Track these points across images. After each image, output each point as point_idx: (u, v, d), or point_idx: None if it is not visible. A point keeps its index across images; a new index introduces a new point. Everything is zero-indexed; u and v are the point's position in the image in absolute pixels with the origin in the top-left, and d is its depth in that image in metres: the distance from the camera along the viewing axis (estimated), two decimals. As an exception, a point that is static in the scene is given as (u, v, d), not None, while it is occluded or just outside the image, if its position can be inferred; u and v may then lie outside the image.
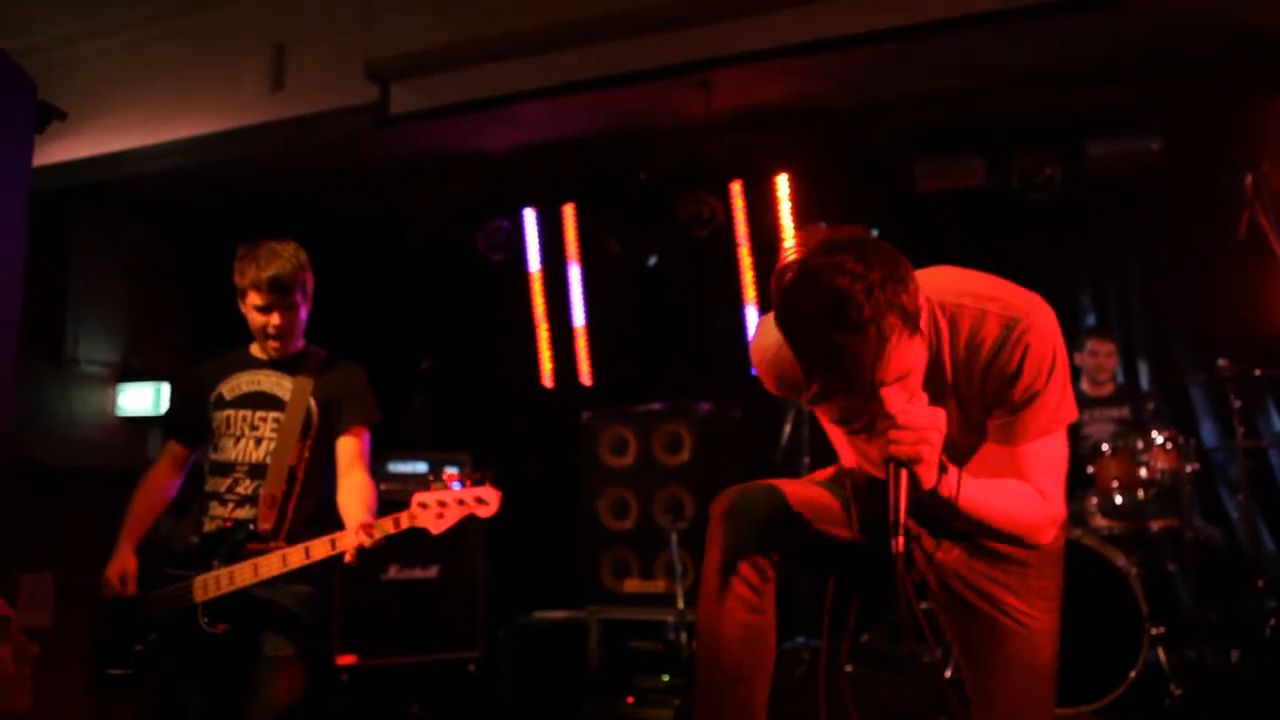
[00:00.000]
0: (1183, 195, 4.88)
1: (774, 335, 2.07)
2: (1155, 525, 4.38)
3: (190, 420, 3.11)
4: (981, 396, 1.89)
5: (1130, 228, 5.17)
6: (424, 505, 2.68)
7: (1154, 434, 4.40)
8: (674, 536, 4.82)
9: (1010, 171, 4.93)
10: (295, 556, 2.72)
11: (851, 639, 4.74)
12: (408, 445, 5.16)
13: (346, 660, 4.68)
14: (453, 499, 2.68)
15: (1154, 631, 3.87)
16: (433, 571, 4.96)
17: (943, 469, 1.75)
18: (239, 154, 4.52)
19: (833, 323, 1.64)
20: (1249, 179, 3.99)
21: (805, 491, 2.01)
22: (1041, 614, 2.06)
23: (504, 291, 6.01)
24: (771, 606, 1.93)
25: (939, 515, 2.05)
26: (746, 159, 5.32)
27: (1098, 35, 4.20)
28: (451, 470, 2.73)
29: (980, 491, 1.81)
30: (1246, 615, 4.39)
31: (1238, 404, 4.27)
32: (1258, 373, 4.24)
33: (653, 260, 5.82)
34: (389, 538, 2.68)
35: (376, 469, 4.91)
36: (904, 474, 1.71)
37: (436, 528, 2.68)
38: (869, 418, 1.86)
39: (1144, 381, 5.19)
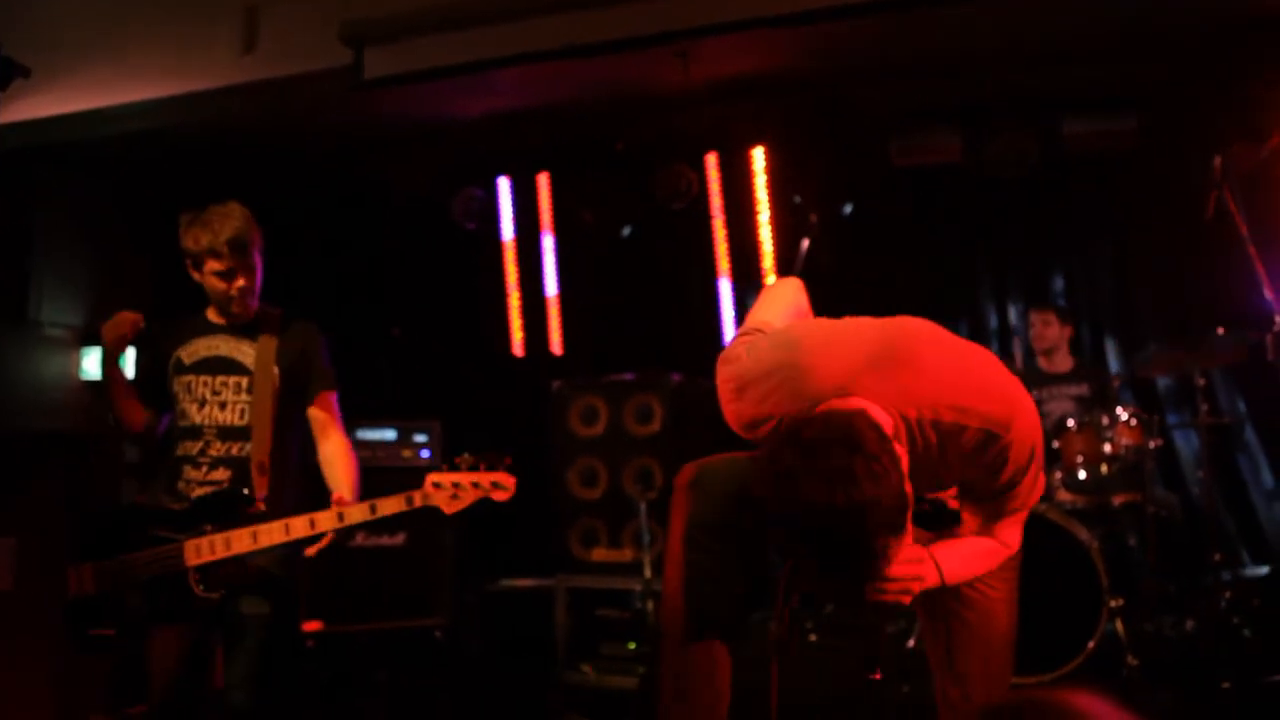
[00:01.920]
0: (1156, 175, 4.92)
1: (749, 407, 1.95)
2: (1117, 500, 4.46)
3: (152, 385, 3.09)
4: (960, 484, 1.97)
5: (1103, 206, 5.22)
6: (438, 486, 2.71)
7: (1118, 410, 4.46)
8: (643, 506, 4.85)
9: (986, 149, 4.95)
10: (299, 526, 2.72)
11: (799, 609, 4.84)
12: (376, 412, 5.14)
13: (312, 626, 4.68)
14: (467, 481, 2.71)
15: (1113, 603, 3.96)
16: (400, 539, 4.96)
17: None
18: (209, 117, 4.44)
19: (827, 539, 1.62)
20: (1218, 160, 4.04)
21: None
22: (1000, 584, 2.14)
23: (477, 260, 5.97)
24: (736, 572, 1.95)
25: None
26: (723, 131, 5.30)
27: (1076, 13, 4.21)
28: (467, 455, 2.77)
29: (957, 566, 1.91)
30: (1203, 588, 4.49)
31: (1201, 382, 4.34)
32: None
33: (627, 231, 5.80)
34: (399, 515, 2.73)
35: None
36: (885, 625, 1.85)
37: (450, 508, 2.71)
38: None
39: (1111, 358, 5.25)
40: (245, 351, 3.01)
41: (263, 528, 2.75)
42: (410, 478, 4.94)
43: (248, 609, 2.82)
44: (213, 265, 2.94)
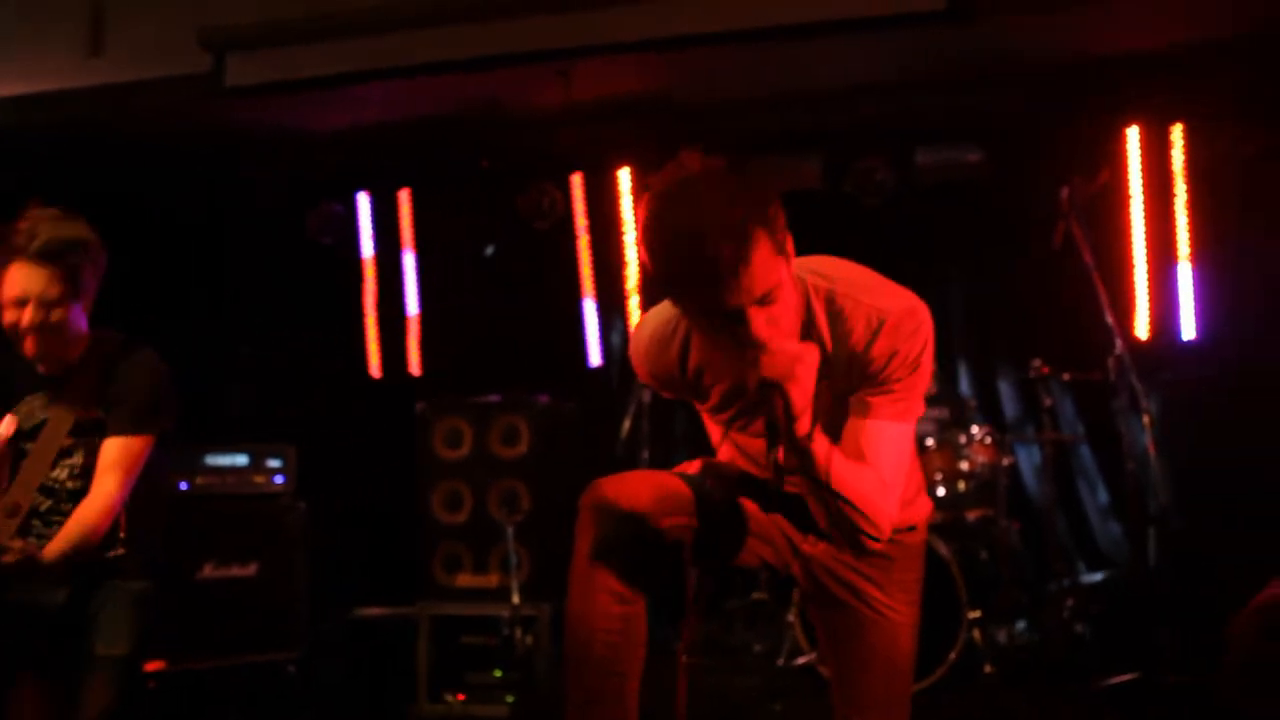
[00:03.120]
0: (1003, 205, 5.19)
1: (646, 330, 2.08)
2: (971, 515, 4.65)
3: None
4: (846, 379, 1.93)
5: (955, 234, 5.45)
6: None
7: (974, 429, 4.67)
8: (510, 530, 4.77)
9: (844, 175, 5.12)
10: None
11: (675, 627, 4.87)
12: (227, 436, 4.90)
13: (155, 666, 4.41)
14: None
15: (971, 615, 4.13)
16: (251, 569, 4.74)
17: (812, 424, 1.78)
18: (51, 121, 4.16)
19: (695, 223, 1.67)
20: (1065, 191, 4.30)
21: (670, 483, 2.01)
22: (903, 606, 2.16)
23: (334, 277, 5.79)
24: (642, 597, 1.93)
25: (806, 512, 2.09)
26: (589, 151, 5.31)
27: (929, 48, 4.43)
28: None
29: (839, 456, 1.84)
30: (1048, 598, 4.74)
31: (1047, 402, 4.60)
32: (1067, 377, 4.57)
33: (490, 250, 5.74)
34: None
35: (192, 462, 4.66)
36: (778, 397, 1.73)
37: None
38: (747, 401, 1.86)
39: (963, 381, 5.49)
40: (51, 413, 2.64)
41: None
42: (263, 505, 4.82)
43: (104, 649, 2.62)
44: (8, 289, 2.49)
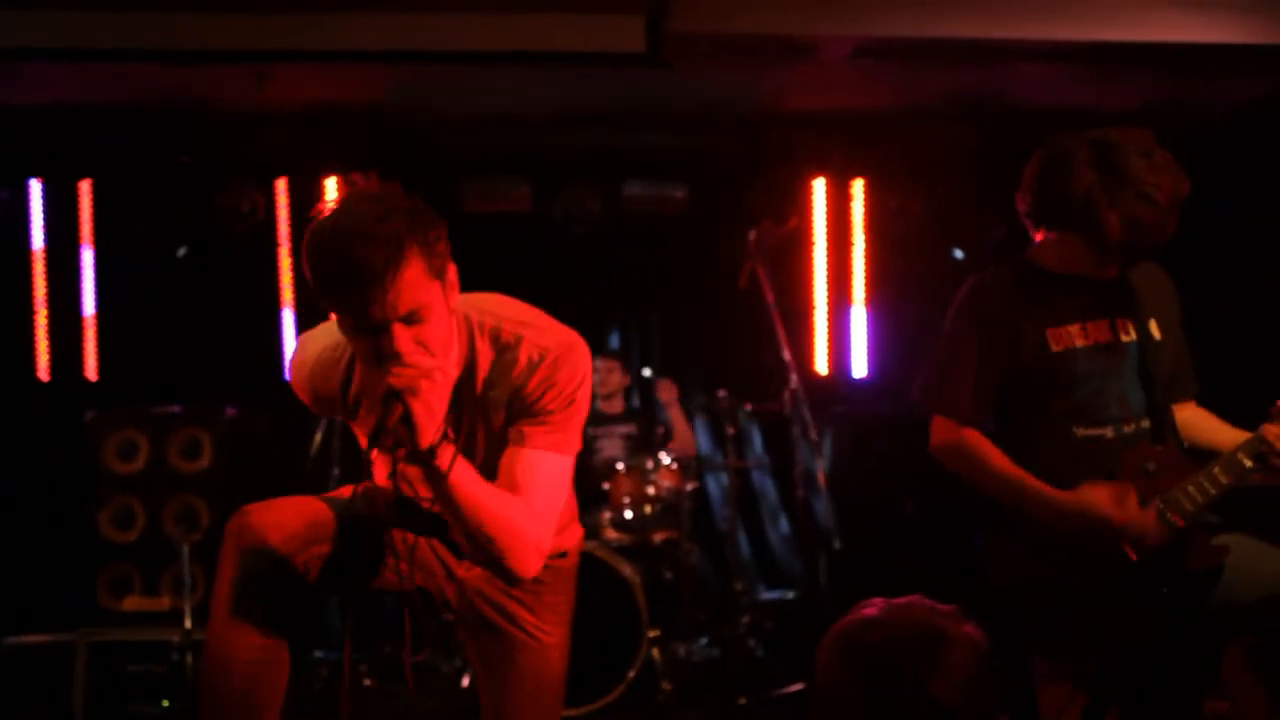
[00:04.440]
0: (701, 242, 5.46)
1: (311, 350, 2.04)
2: (657, 537, 4.84)
3: None
4: (507, 413, 1.96)
5: (656, 266, 5.69)
6: None
7: (661, 455, 4.88)
8: (185, 549, 4.51)
9: (554, 201, 5.23)
10: None
11: (360, 651, 4.77)
12: None
13: None
14: None
15: (651, 634, 4.29)
16: None
17: (444, 438, 1.79)
18: None
19: (351, 232, 1.71)
20: (752, 235, 4.58)
21: (319, 510, 1.98)
22: (553, 628, 2.22)
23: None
24: (285, 629, 1.89)
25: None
26: (296, 157, 5.13)
27: (637, 88, 4.62)
28: None
29: (473, 478, 1.84)
30: (727, 615, 5.00)
31: (731, 430, 4.87)
32: (749, 407, 4.87)
33: (182, 251, 5.41)
34: None
35: None
36: (398, 406, 1.73)
37: None
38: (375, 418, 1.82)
39: (657, 407, 5.70)
40: None
41: None
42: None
43: None
44: None
